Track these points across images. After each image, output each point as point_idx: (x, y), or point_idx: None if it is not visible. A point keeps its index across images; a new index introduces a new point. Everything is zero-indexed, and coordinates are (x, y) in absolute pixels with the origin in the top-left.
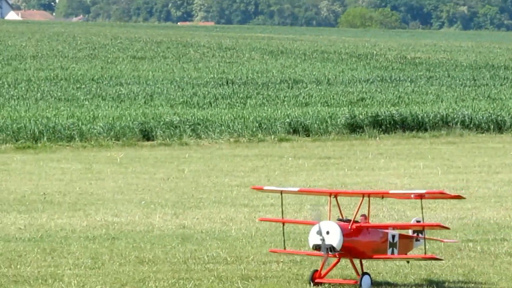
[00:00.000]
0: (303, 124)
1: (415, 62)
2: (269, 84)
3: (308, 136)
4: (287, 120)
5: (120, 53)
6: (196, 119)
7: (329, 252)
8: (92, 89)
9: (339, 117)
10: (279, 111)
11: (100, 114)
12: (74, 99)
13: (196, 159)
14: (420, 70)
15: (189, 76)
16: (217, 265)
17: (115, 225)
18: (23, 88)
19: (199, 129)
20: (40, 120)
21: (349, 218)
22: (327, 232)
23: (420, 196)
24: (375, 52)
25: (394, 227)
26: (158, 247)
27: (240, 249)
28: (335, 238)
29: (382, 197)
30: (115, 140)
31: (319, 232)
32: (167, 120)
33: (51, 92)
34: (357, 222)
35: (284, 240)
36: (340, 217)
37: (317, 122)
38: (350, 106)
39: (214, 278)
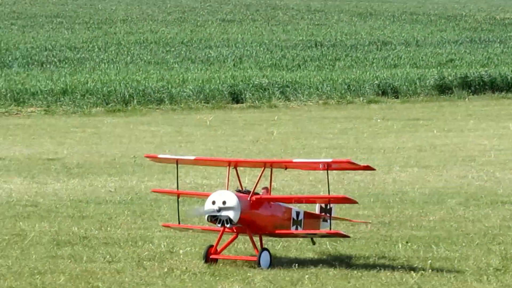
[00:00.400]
0: (392, 85)
1: (505, 23)
2: (358, 46)
3: (397, 97)
4: (376, 81)
5: (209, 16)
6: (285, 81)
7: (226, 225)
8: (182, 52)
9: (428, 78)
10: (367, 73)
11: (189, 77)
12: (163, 62)
13: (285, 121)
14: (509, 31)
15: (278, 39)
16: None
17: (204, 188)
18: (113, 52)
19: (288, 92)
20: (130, 83)
21: (249, 189)
22: (224, 202)
23: (327, 166)
24: (464, 13)
25: (298, 200)
26: None
27: None
28: (231, 209)
29: (286, 168)
30: (204, 103)
31: (215, 203)
32: (256, 82)
33: (141, 56)
34: (257, 194)
35: (178, 213)
36: (240, 188)
37: (406, 84)
38: (439, 68)
39: (302, 239)
